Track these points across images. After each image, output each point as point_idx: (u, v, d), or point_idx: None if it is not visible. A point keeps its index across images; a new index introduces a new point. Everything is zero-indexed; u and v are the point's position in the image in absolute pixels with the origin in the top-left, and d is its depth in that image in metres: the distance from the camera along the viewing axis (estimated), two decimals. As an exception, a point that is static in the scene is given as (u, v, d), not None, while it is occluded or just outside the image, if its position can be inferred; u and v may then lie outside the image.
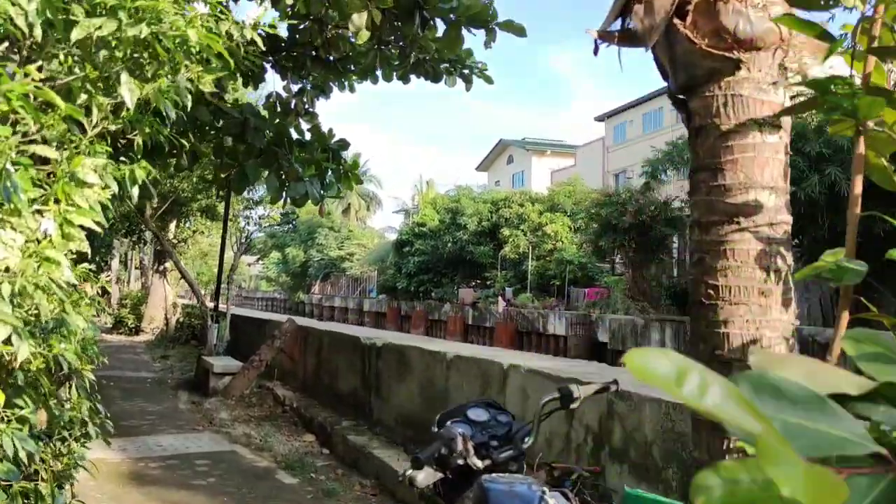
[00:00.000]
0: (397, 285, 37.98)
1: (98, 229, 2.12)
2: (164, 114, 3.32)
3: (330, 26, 7.61)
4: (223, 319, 12.45)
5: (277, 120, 8.30)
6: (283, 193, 7.92)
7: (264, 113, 8.19)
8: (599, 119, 45.60)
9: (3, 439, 2.58)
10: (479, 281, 34.05)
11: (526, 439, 2.75)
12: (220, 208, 15.26)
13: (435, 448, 2.41)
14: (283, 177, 7.78)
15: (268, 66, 8.35)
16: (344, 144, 8.42)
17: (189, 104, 2.92)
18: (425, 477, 2.58)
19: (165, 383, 12.16)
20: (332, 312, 42.94)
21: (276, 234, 45.98)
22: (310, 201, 8.41)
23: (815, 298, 19.73)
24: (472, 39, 7.72)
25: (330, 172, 8.51)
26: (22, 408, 2.78)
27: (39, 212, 2.15)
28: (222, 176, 8.20)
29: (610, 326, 21.48)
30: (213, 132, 7.80)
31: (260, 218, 17.89)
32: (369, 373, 8.14)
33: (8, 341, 1.77)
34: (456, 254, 33.90)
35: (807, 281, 19.56)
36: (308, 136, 8.35)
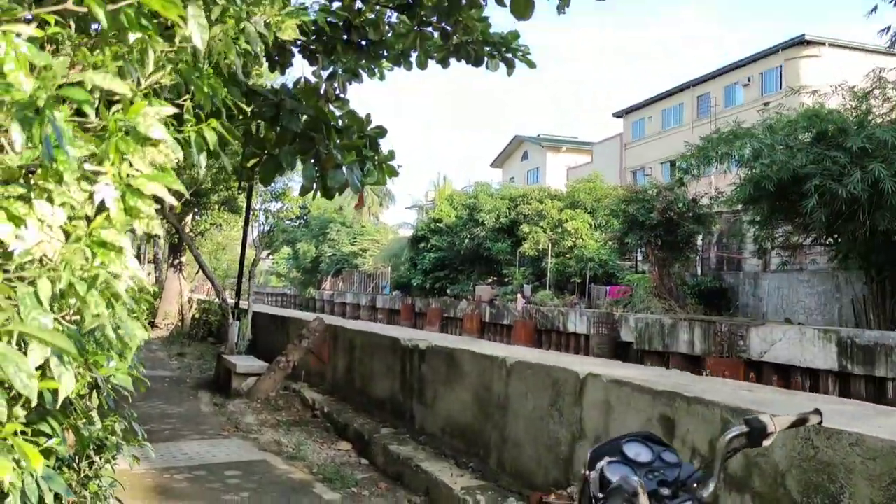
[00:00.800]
0: (412, 282, 37.41)
1: (174, 201, 1.50)
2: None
3: (368, 5, 7.03)
4: (244, 317, 11.87)
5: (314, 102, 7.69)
6: (318, 183, 7.30)
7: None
8: (618, 115, 44.88)
9: (24, 483, 1.95)
10: (496, 278, 33.45)
11: (707, 485, 2.07)
12: (240, 200, 14.68)
13: (615, 505, 1.78)
14: (321, 164, 7.18)
15: (295, 49, 7.79)
16: (382, 132, 7.81)
17: (262, 53, 2.29)
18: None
19: (184, 383, 11.58)
20: (344, 309, 42.39)
21: (287, 228, 45.43)
22: (342, 192, 7.80)
23: (846, 299, 19.04)
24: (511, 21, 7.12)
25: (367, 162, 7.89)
26: (48, 436, 2.16)
27: (87, 178, 1.51)
28: (248, 165, 7.62)
29: (636, 325, 20.82)
30: (241, 116, 7.20)
31: (277, 211, 17.29)
32: (410, 377, 7.53)
33: (42, 369, 1.17)
34: (473, 250, 33.30)
35: (838, 282, 18.91)
36: (341, 123, 7.75)
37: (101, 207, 1.37)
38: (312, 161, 7.03)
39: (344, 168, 7.14)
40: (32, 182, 1.34)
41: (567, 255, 29.02)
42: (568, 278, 28.68)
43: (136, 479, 5.87)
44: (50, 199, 1.36)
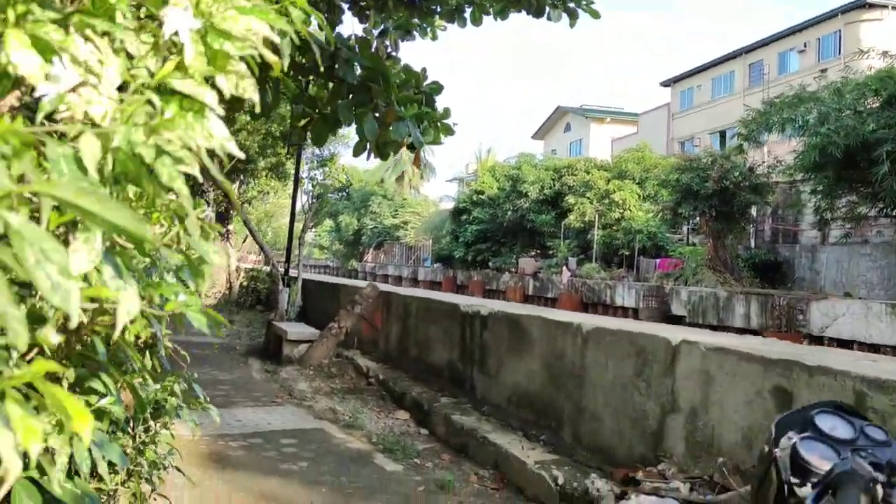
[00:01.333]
0: (454, 254, 37.03)
1: (273, 58, 1.08)
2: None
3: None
4: (294, 284, 11.60)
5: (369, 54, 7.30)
6: (371, 144, 6.93)
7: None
8: (665, 84, 43.68)
9: (77, 450, 1.57)
10: (539, 250, 32.89)
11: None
12: (288, 167, 14.38)
13: (853, 497, 1.36)
14: (381, 118, 6.81)
15: (345, 6, 7.39)
16: (438, 87, 7.40)
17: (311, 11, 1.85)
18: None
19: (234, 350, 11.37)
20: (386, 281, 42.27)
21: (330, 201, 45.35)
22: (397, 150, 7.44)
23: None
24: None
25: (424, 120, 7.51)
26: (102, 394, 1.78)
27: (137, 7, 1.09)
28: (299, 125, 7.27)
29: (688, 299, 20.20)
30: (291, 72, 6.85)
31: (324, 179, 16.97)
32: (471, 344, 7.16)
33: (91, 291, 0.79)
34: (516, 222, 32.74)
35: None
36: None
37: (173, 42, 0.96)
38: (373, 114, 6.64)
39: (407, 121, 6.75)
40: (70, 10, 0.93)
41: (614, 227, 28.33)
42: (615, 251, 28.03)
43: (190, 445, 5.60)
44: (93, 31, 0.95)
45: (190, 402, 3.14)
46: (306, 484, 5.21)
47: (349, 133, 15.23)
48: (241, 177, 16.04)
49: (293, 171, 13.32)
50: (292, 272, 11.99)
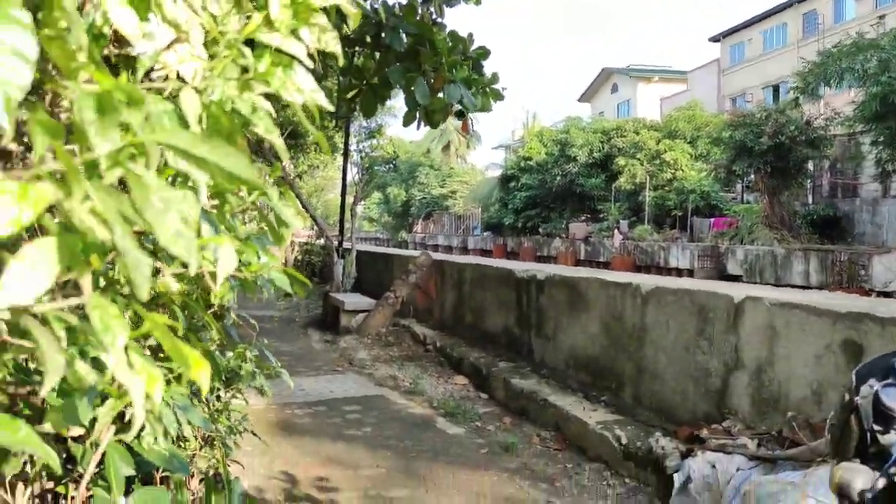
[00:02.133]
0: (503, 221, 36.93)
1: (353, 12, 1.09)
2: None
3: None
4: (349, 255, 11.74)
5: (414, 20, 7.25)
6: (420, 111, 6.92)
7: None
8: (715, 39, 42.45)
9: (162, 413, 1.63)
10: (589, 214, 32.58)
11: None
12: (336, 139, 14.47)
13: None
14: (431, 83, 6.79)
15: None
16: (485, 52, 7.32)
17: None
18: (864, 480, 1.51)
19: (293, 321, 11.59)
20: (436, 251, 42.42)
21: (377, 174, 45.51)
22: (446, 117, 7.43)
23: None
24: None
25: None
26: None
27: None
28: (347, 97, 7.29)
29: (745, 258, 19.83)
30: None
31: (372, 151, 17.02)
32: (527, 309, 7.17)
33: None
34: (565, 187, 32.45)
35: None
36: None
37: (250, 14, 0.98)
38: (423, 80, 6.63)
39: (458, 84, 6.72)
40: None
41: (666, 188, 27.87)
42: (667, 212, 27.60)
43: (258, 413, 5.77)
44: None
45: (263, 369, 3.23)
46: (371, 448, 5.32)
47: (396, 104, 15.21)
48: (292, 152, 16.21)
49: (342, 144, 13.41)
50: (346, 244, 12.12)
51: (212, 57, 0.93)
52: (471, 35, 7.56)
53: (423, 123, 7.56)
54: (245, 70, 0.92)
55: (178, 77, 0.90)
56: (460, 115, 7.72)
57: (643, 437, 4.70)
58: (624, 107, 50.84)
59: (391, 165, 51.16)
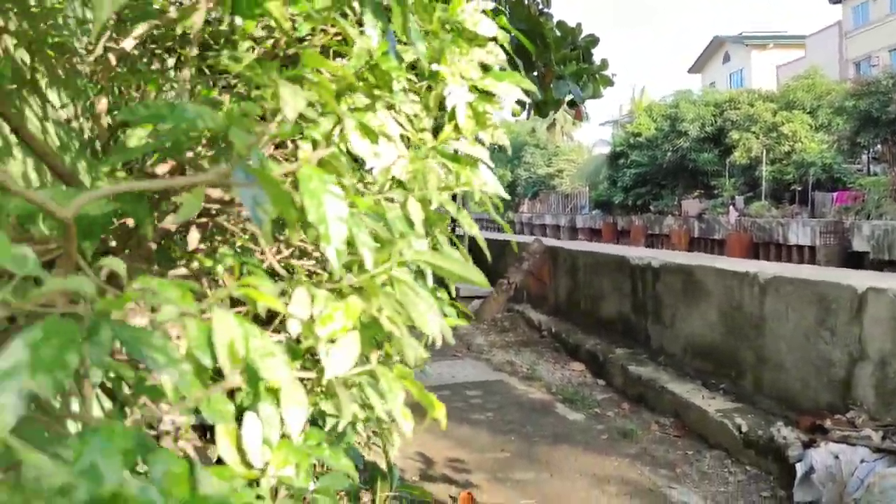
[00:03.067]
0: (612, 200, 36.41)
1: (516, 105, 1.35)
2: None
3: None
4: (461, 242, 12.07)
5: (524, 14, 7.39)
6: (530, 101, 7.11)
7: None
8: (835, 1, 40.11)
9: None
10: (702, 190, 31.67)
11: None
12: (446, 127, 14.80)
13: None
14: (540, 78, 6.96)
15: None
16: (594, 41, 7.43)
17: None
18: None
19: (410, 307, 12.07)
20: (543, 230, 42.30)
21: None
22: (558, 108, 7.62)
23: None
24: None
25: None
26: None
27: (408, 90, 1.40)
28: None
29: (872, 233, 18.89)
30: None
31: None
32: (644, 296, 7.27)
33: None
34: (676, 163, 31.65)
35: None
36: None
37: (441, 120, 1.25)
38: (532, 74, 6.81)
39: (567, 79, 6.86)
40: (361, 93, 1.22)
41: (783, 162, 26.75)
42: (786, 186, 26.52)
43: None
44: (390, 108, 1.25)
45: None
46: (495, 432, 5.62)
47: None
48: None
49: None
50: (458, 230, 12.45)
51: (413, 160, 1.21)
52: (579, 25, 7.68)
53: (531, 114, 7.77)
54: (446, 168, 1.19)
55: (394, 178, 1.17)
56: (572, 104, 7.87)
57: (764, 425, 4.78)
58: (736, 77, 48.89)
59: (496, 147, 51.18)
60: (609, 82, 7.64)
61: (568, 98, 7.25)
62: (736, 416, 5.07)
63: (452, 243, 1.55)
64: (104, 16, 0.64)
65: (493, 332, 9.33)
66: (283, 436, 0.78)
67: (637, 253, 8.07)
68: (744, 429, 4.85)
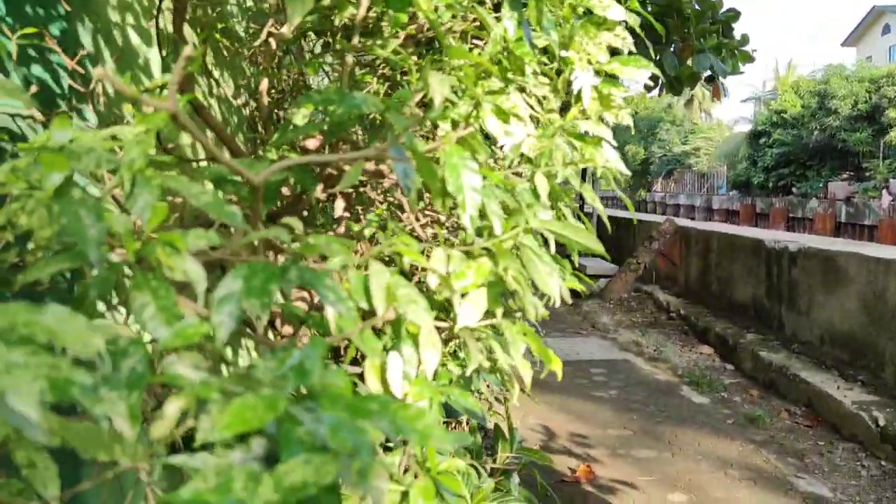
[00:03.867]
0: (751, 180, 34.79)
1: (640, 87, 1.45)
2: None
3: None
4: (590, 220, 12.00)
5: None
6: (664, 77, 6.99)
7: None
8: None
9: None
10: (852, 172, 29.71)
11: None
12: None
13: None
14: (678, 53, 6.83)
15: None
16: (735, 15, 7.19)
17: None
18: None
19: (535, 284, 12.14)
20: (677, 210, 41.02)
21: (614, 131, 44.53)
22: (694, 85, 7.46)
23: None
24: None
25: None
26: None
27: (540, 72, 1.50)
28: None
29: None
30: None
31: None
32: (779, 281, 7.02)
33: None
34: (823, 143, 29.81)
35: None
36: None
37: (569, 100, 1.35)
38: (671, 49, 6.69)
39: (707, 53, 6.70)
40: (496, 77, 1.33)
41: (950, 142, 24.67)
42: (949, 170, 24.48)
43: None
44: (521, 90, 1.36)
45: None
46: (617, 410, 5.65)
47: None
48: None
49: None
50: (586, 208, 12.36)
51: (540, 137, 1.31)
52: (720, -1, 7.44)
53: (663, 91, 7.63)
54: (571, 146, 1.29)
55: (523, 155, 1.28)
56: (711, 79, 7.66)
57: (904, 420, 4.57)
58: (898, 49, 45.27)
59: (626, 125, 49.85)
60: (749, 58, 7.38)
61: (705, 74, 7.07)
62: (874, 408, 4.86)
63: (577, 217, 1.65)
64: (296, 19, 0.78)
65: (620, 312, 9.27)
66: (419, 374, 0.92)
67: (773, 236, 7.78)
68: (881, 422, 4.65)
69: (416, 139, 0.86)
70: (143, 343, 0.55)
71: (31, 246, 0.68)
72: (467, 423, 2.63)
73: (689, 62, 6.81)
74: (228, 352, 0.74)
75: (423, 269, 1.08)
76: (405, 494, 1.02)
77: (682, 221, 10.77)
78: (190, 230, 0.64)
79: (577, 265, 1.86)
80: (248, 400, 0.47)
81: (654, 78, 7.18)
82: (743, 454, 4.80)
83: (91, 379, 0.47)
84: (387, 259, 1.02)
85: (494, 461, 2.66)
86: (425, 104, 1.02)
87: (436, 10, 1.30)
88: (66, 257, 0.59)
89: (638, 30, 1.82)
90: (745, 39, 7.43)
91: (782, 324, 6.92)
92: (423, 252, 0.98)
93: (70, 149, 0.62)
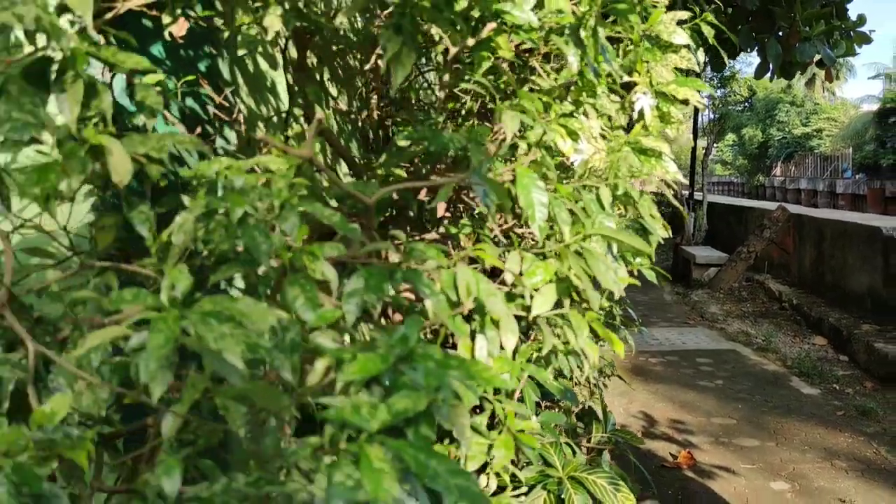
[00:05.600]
0: (880, 163, 32.90)
1: (699, 104, 1.62)
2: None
3: None
4: (699, 208, 11.83)
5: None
6: (774, 62, 6.90)
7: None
8: None
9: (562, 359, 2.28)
10: None
11: None
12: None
13: None
14: (784, 40, 6.74)
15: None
16: (848, -6, 6.99)
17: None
18: None
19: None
20: (798, 196, 39.24)
21: (730, 114, 43.07)
22: (805, 69, 7.32)
23: None
24: None
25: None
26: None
27: (614, 90, 1.71)
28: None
29: None
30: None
31: (724, 97, 16.54)
32: (897, 270, 6.80)
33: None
34: (962, 120, 27.82)
35: None
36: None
37: (634, 118, 1.54)
38: (777, 36, 6.60)
39: (813, 41, 6.58)
40: (570, 98, 1.55)
41: None
42: None
43: (617, 360, 6.44)
44: (593, 109, 1.57)
45: (627, 324, 3.84)
46: (722, 399, 5.68)
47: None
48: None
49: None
50: (696, 195, 12.19)
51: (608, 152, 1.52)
52: (833, -21, 7.27)
53: (775, 76, 7.51)
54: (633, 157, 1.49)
55: (590, 168, 1.49)
56: (822, 64, 7.50)
57: None
58: None
59: (746, 105, 47.94)
60: (867, 39, 7.16)
61: (817, 58, 6.93)
62: None
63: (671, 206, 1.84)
64: (399, 81, 1.02)
65: (730, 302, 9.16)
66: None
67: (892, 223, 7.51)
68: None
69: (493, 163, 1.09)
70: (297, 322, 0.81)
71: (204, 253, 0.96)
72: (558, 404, 2.84)
73: (796, 49, 6.71)
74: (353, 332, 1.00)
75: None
76: (490, 447, 1.26)
77: (795, 208, 10.47)
78: (325, 243, 0.90)
79: (653, 259, 2.04)
80: (369, 356, 0.72)
81: (765, 60, 7.12)
82: (852, 446, 4.76)
83: (268, 344, 0.74)
84: (472, 260, 1.25)
85: (589, 441, 2.86)
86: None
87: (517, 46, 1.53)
88: (239, 263, 0.86)
89: (712, 40, 1.99)
90: (861, 20, 7.19)
91: (901, 314, 6.70)
92: (501, 255, 1.20)
93: (244, 189, 0.88)
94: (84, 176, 0.79)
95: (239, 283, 1.59)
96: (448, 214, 1.99)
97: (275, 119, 2.16)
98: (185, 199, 0.99)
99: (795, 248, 9.32)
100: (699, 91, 1.59)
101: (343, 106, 3.04)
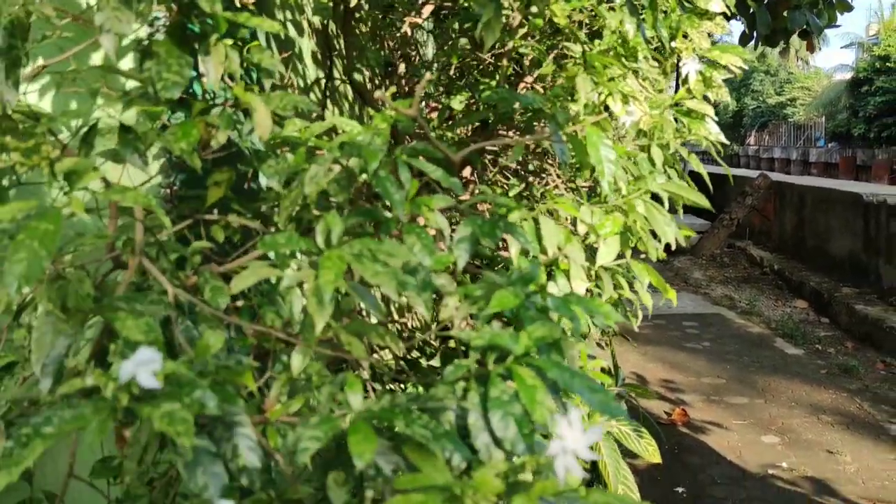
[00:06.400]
0: (852, 131, 33.30)
1: (737, 71, 1.71)
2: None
3: None
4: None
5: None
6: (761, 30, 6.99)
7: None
8: None
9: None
10: (964, 121, 28.09)
11: None
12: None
13: None
14: (773, 7, 6.83)
15: None
16: (837, -36, 7.07)
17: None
18: None
19: (626, 241, 12.29)
20: (772, 165, 39.66)
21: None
22: (789, 38, 7.43)
23: None
24: None
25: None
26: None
27: (652, 56, 1.80)
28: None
29: None
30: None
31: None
32: (877, 235, 7.00)
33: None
34: (933, 89, 28.25)
35: None
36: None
37: (685, 79, 1.63)
38: (764, 4, 6.70)
39: (803, 9, 6.68)
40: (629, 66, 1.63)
41: None
42: None
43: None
44: (637, 74, 1.66)
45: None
46: (710, 360, 5.86)
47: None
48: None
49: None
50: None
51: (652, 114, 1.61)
52: (823, -53, 7.37)
53: (759, 44, 7.63)
54: (678, 121, 1.58)
55: (640, 130, 1.58)
56: (805, 33, 7.62)
57: None
58: None
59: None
60: (847, 7, 7.27)
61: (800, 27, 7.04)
62: (971, 358, 4.93)
63: (681, 177, 1.93)
64: (489, 43, 1.09)
65: (713, 268, 9.35)
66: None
67: (871, 189, 7.71)
68: (979, 371, 4.73)
69: (567, 123, 1.18)
70: (426, 265, 0.90)
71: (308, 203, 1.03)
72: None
73: (785, 16, 6.80)
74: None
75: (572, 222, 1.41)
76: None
77: (777, 176, 10.68)
78: (434, 195, 0.99)
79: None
80: (505, 292, 0.81)
81: (749, 29, 7.21)
82: (836, 402, 4.96)
83: (414, 281, 0.82)
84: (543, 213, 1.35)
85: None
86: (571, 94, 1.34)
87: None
88: (366, 212, 0.94)
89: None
90: (844, -13, 7.31)
91: (880, 277, 6.92)
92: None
93: (375, 145, 0.96)
94: (231, 130, 0.86)
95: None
96: (473, 178, 2.07)
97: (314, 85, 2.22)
98: (270, 161, 1.06)
99: (776, 214, 9.53)
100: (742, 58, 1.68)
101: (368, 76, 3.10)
